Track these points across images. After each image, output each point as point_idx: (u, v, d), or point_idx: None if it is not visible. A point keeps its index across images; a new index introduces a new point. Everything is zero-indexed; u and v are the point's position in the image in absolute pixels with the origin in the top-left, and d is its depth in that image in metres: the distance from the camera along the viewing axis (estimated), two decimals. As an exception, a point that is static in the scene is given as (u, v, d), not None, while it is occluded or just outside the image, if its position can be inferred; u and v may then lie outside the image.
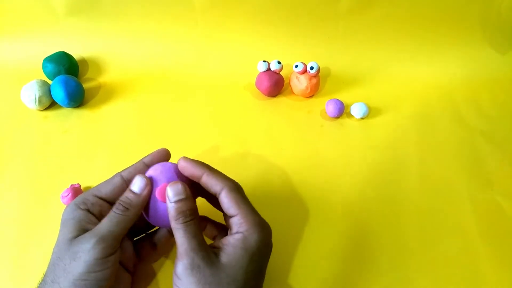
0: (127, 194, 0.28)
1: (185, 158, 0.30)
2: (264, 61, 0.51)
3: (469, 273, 0.35)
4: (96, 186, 0.29)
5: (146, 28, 0.57)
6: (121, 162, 0.44)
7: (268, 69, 0.51)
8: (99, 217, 0.27)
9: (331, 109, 0.49)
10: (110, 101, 0.52)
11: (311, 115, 0.51)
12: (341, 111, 0.49)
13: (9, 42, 0.57)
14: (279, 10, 0.54)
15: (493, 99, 0.54)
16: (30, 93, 0.48)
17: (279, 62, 0.50)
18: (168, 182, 0.29)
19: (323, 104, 0.50)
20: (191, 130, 0.48)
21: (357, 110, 0.49)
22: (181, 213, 0.26)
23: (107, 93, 0.53)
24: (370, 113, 0.50)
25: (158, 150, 0.32)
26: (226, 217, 0.28)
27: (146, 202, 0.28)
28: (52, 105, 0.51)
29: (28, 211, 0.39)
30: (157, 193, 0.29)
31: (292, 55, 0.55)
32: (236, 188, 0.28)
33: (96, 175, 0.43)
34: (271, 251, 0.28)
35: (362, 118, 0.50)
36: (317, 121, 0.50)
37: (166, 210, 0.28)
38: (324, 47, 0.57)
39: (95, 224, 0.26)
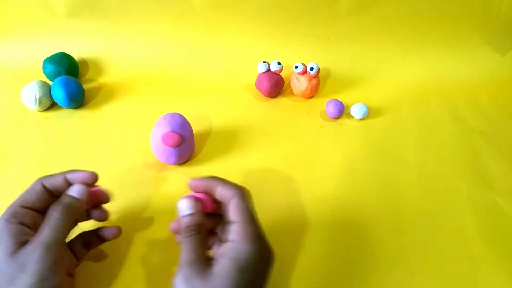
0: (66, 199, 0.29)
1: (194, 178, 0.30)
2: (264, 62, 0.51)
3: (469, 273, 0.35)
4: (20, 197, 0.29)
5: (146, 29, 0.57)
6: (121, 162, 0.44)
7: (268, 70, 0.51)
8: (33, 227, 0.28)
9: (331, 109, 0.49)
10: (110, 102, 0.52)
11: (311, 116, 0.51)
12: (341, 111, 0.49)
13: (9, 43, 0.57)
14: (279, 11, 0.54)
15: (493, 99, 0.54)
16: (30, 94, 0.48)
17: (279, 63, 0.50)
18: (172, 130, 0.38)
19: (323, 104, 0.50)
20: (191, 131, 0.48)
21: (357, 110, 0.49)
22: (187, 227, 0.28)
23: (107, 94, 0.53)
24: (370, 113, 0.50)
25: (86, 172, 0.31)
26: (228, 223, 0.29)
27: (85, 207, 0.30)
28: (52, 105, 0.51)
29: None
30: (162, 138, 0.36)
31: (292, 56, 0.55)
32: (244, 196, 0.29)
33: (97, 175, 0.43)
34: (269, 265, 0.27)
35: (362, 119, 0.50)
36: (317, 122, 0.50)
37: (170, 151, 0.38)
38: (324, 48, 0.57)
39: (32, 235, 0.27)
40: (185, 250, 0.27)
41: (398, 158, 0.45)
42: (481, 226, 0.39)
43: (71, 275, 0.30)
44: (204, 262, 0.26)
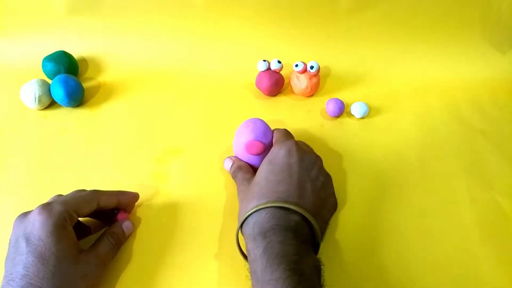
0: (119, 231, 0.35)
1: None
2: (264, 61, 0.51)
3: (469, 273, 0.35)
4: (76, 203, 0.32)
5: (145, 27, 0.57)
6: (121, 161, 0.44)
7: (268, 69, 0.51)
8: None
9: (331, 108, 0.49)
10: (110, 100, 0.52)
11: (311, 115, 0.51)
12: (341, 110, 0.49)
13: (9, 42, 0.57)
14: (279, 9, 0.54)
15: (493, 98, 0.53)
16: (29, 92, 0.48)
17: (279, 62, 0.50)
18: (256, 139, 0.39)
19: (323, 103, 0.50)
20: (191, 129, 0.48)
21: (357, 109, 0.49)
22: (237, 168, 0.40)
23: (106, 92, 0.53)
24: (370, 112, 0.50)
25: (133, 193, 0.38)
26: None
27: (127, 238, 0.36)
28: (51, 104, 0.51)
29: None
30: (245, 148, 0.39)
31: (292, 54, 0.55)
32: (281, 130, 0.41)
33: (96, 174, 0.43)
34: (297, 157, 0.35)
35: (362, 118, 0.50)
36: (317, 121, 0.50)
37: (253, 159, 0.40)
38: (324, 47, 0.57)
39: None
40: (240, 178, 0.39)
41: (398, 157, 0.45)
42: (481, 225, 0.39)
43: None
44: (252, 176, 0.38)
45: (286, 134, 0.40)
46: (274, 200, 0.31)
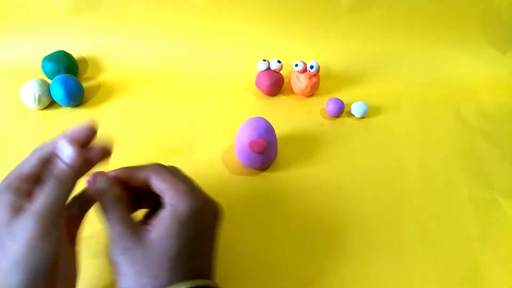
0: (56, 169, 0.26)
1: (101, 174, 0.29)
2: (264, 60, 0.51)
3: (469, 273, 0.35)
4: (15, 169, 0.28)
5: (145, 27, 0.57)
6: (121, 161, 0.44)
7: (268, 68, 0.51)
8: (29, 196, 0.26)
9: (331, 108, 0.49)
10: (110, 100, 0.52)
11: (311, 114, 0.51)
12: (341, 110, 0.49)
13: (8, 41, 0.57)
14: (279, 9, 0.54)
15: (493, 98, 0.53)
16: (29, 92, 0.48)
17: (279, 61, 0.50)
18: (258, 136, 0.37)
19: (323, 103, 0.50)
20: (190, 129, 0.48)
21: (357, 109, 0.49)
22: (110, 197, 0.27)
23: (106, 92, 0.53)
24: (370, 112, 0.50)
25: (81, 128, 0.29)
26: (161, 198, 0.28)
27: (80, 172, 0.27)
28: (51, 104, 0.50)
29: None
30: (248, 145, 0.37)
31: (292, 54, 0.55)
32: (164, 168, 0.28)
33: (96, 174, 0.43)
34: (215, 217, 0.28)
35: (362, 117, 0.50)
36: (317, 120, 0.50)
37: (256, 157, 0.38)
38: (324, 46, 0.57)
39: (29, 203, 0.25)
40: (113, 222, 0.26)
41: (398, 156, 0.45)
42: (481, 225, 0.39)
43: (72, 243, 0.29)
44: (137, 230, 0.25)
45: (184, 179, 0.29)
46: (192, 279, 0.25)
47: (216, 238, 0.28)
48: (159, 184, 0.27)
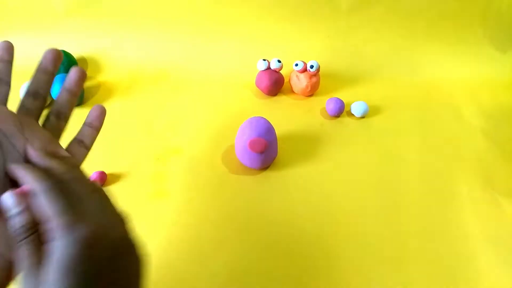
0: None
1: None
2: (264, 60, 0.51)
3: (469, 272, 0.35)
4: None
5: (145, 27, 0.57)
6: (121, 160, 0.44)
7: (268, 68, 0.51)
8: None
9: (331, 107, 0.48)
10: (110, 100, 0.52)
11: (311, 114, 0.51)
12: (341, 109, 0.49)
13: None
14: (279, 9, 0.54)
15: (493, 97, 0.53)
16: (29, 92, 0.48)
17: (279, 61, 0.50)
18: (258, 135, 0.37)
19: (323, 102, 0.50)
20: (190, 128, 0.48)
21: (357, 108, 0.49)
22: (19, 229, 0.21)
23: (106, 92, 0.53)
24: (370, 111, 0.50)
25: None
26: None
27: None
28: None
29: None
30: (248, 145, 0.37)
31: (292, 54, 0.55)
32: (50, 188, 0.21)
33: (96, 174, 0.43)
34: (123, 255, 0.22)
35: (362, 117, 0.50)
36: (317, 120, 0.50)
37: (256, 157, 0.39)
38: (324, 46, 0.57)
39: None
40: (22, 257, 0.21)
41: (398, 156, 0.45)
42: (482, 224, 0.39)
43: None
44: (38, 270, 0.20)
45: (80, 200, 0.22)
46: None
47: (137, 279, 0.22)
48: (44, 207, 0.21)
